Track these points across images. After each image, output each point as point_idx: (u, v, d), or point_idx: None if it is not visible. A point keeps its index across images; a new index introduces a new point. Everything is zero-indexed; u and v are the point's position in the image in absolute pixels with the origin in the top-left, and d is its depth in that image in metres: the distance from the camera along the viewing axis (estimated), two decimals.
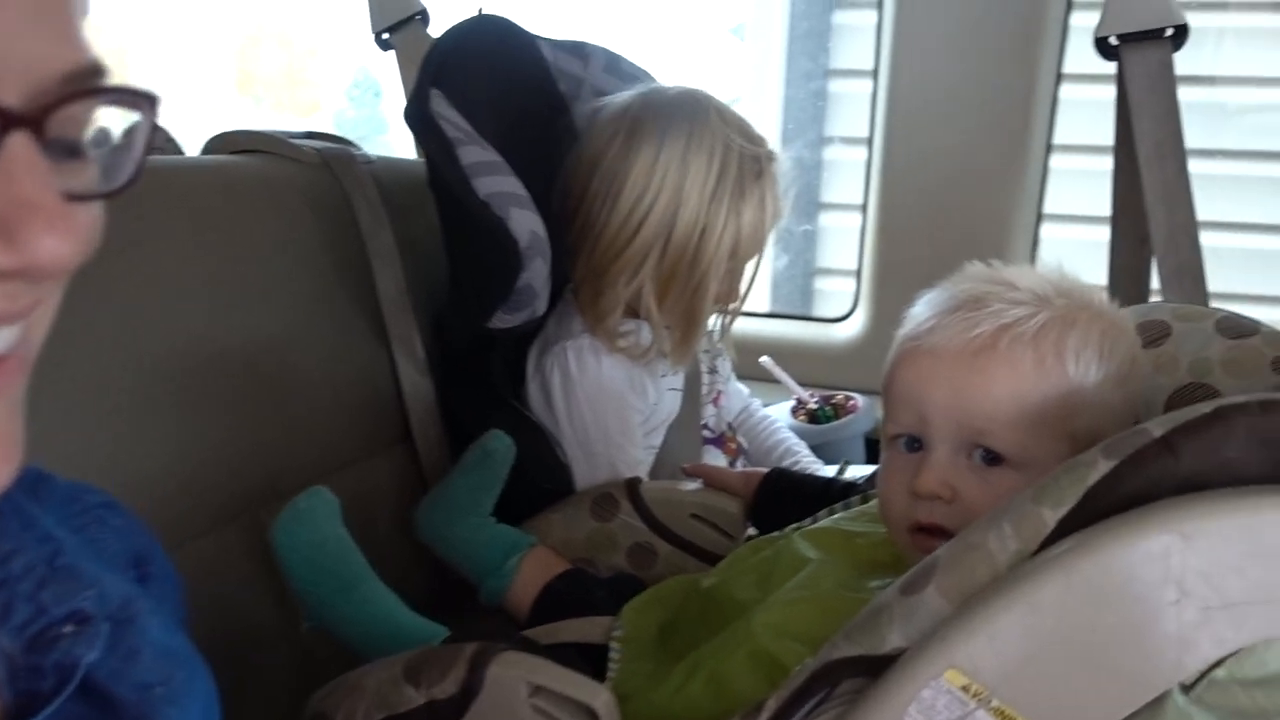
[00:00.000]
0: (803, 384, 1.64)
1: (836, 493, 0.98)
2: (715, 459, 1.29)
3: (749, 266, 1.14)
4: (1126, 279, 1.35)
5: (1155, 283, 1.27)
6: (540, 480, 1.09)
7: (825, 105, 2.17)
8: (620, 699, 0.78)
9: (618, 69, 1.25)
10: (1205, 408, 0.56)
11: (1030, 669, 0.54)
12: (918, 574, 0.59)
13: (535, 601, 0.98)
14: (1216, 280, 1.21)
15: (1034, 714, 0.54)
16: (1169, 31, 1.17)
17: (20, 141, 0.33)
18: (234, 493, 0.93)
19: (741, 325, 1.27)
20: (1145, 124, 1.23)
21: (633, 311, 1.12)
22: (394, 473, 1.11)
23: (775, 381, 1.64)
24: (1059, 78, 1.62)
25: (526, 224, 1.01)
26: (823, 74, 2.19)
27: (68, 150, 0.37)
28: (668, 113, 1.08)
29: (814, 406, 1.59)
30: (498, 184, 1.01)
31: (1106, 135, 1.28)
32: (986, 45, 1.62)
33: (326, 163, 1.12)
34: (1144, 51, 1.20)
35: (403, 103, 1.09)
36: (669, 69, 1.31)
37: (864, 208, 1.79)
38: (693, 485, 1.08)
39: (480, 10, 1.16)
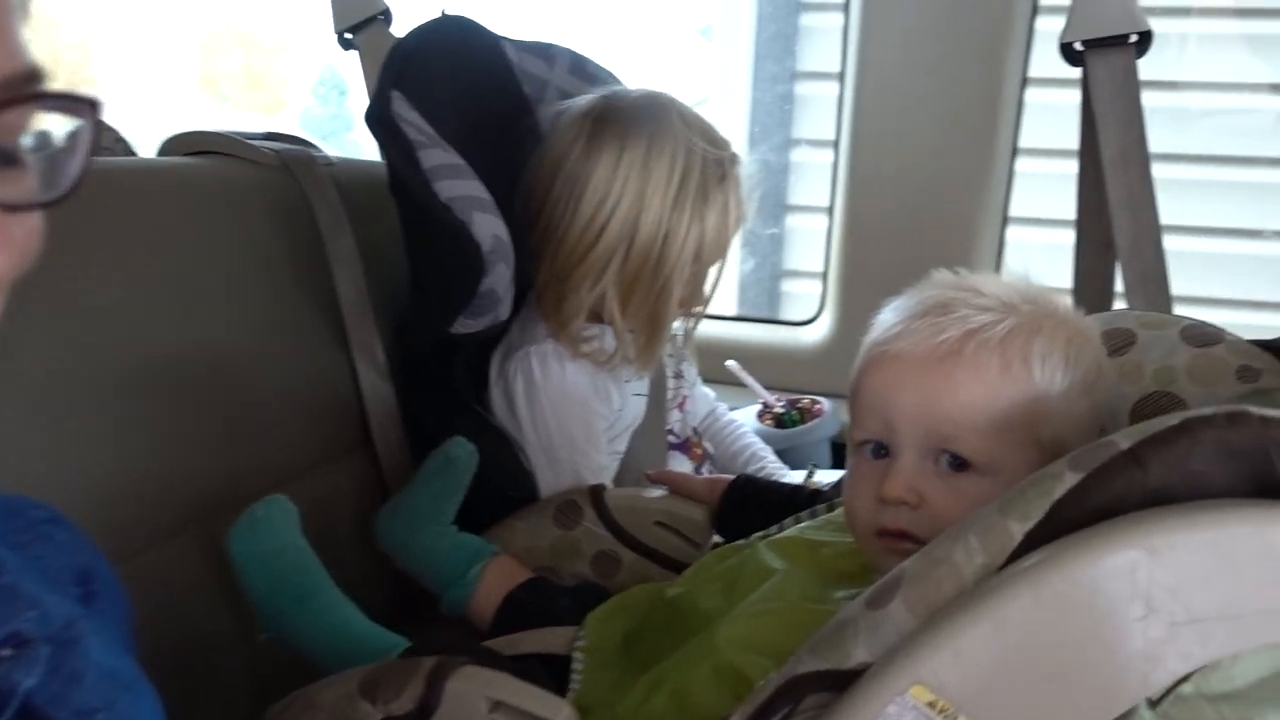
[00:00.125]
0: (769, 388, 1.64)
1: (803, 500, 0.97)
2: (680, 464, 1.28)
3: (713, 270, 1.13)
4: (1090, 283, 1.35)
5: (1119, 286, 1.27)
6: (503, 487, 1.08)
7: (792, 108, 2.17)
8: (583, 711, 0.77)
9: (583, 70, 1.23)
10: (1172, 420, 0.55)
11: (996, 685, 0.53)
12: (883, 588, 0.58)
13: (498, 611, 0.96)
14: (1179, 284, 1.22)
15: None
16: (1134, 38, 1.17)
17: None
18: (189, 500, 0.91)
19: (707, 329, 1.26)
20: (1110, 129, 1.24)
21: (596, 316, 1.11)
22: (354, 479, 1.09)
23: (741, 385, 1.63)
24: (1025, 82, 1.62)
25: (489, 228, 1.00)
26: (790, 77, 2.18)
27: (3, 159, 0.35)
28: (629, 117, 1.06)
29: (780, 410, 1.59)
30: (460, 187, 1.00)
31: (1072, 139, 1.28)
32: (953, 49, 1.62)
33: (285, 164, 1.10)
34: (1109, 57, 1.20)
35: (367, 102, 1.07)
36: (636, 70, 1.30)
37: (830, 210, 1.79)
38: (657, 492, 1.07)
39: (443, 11, 1.15)
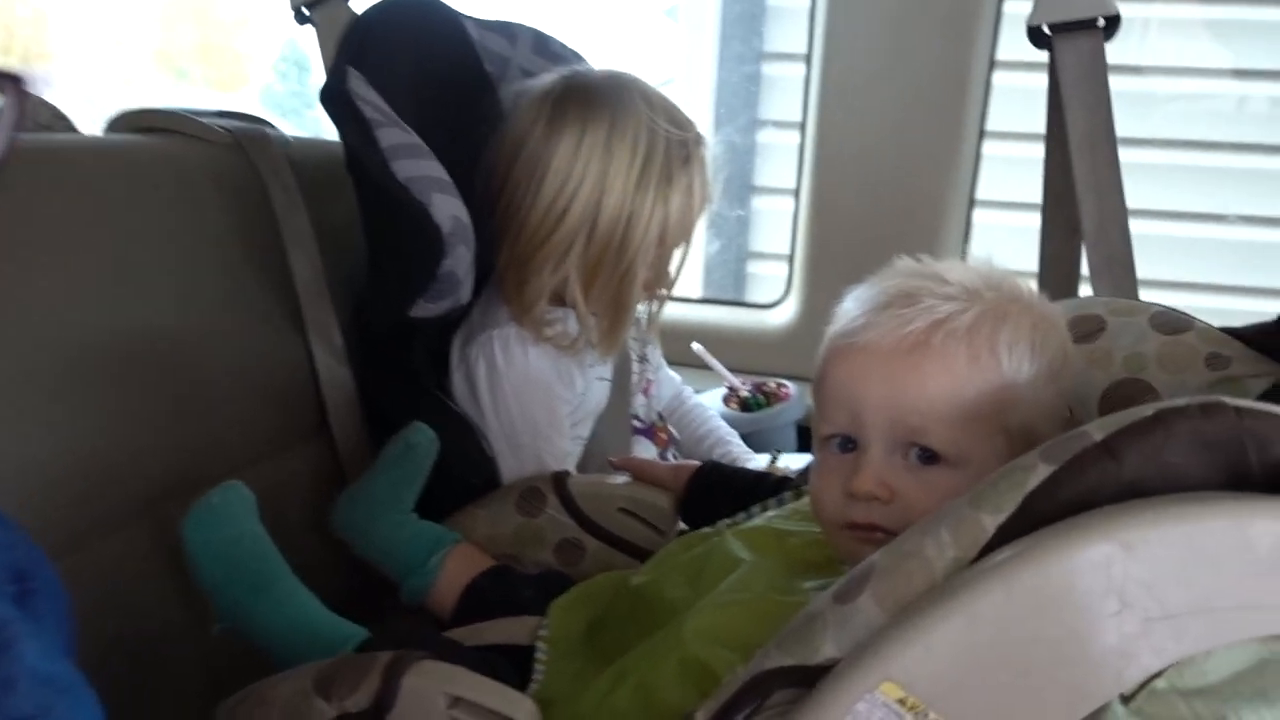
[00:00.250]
0: (735, 370, 1.63)
1: (769, 487, 0.96)
2: (645, 450, 1.27)
3: (678, 253, 1.11)
4: (1056, 267, 1.35)
5: (1085, 270, 1.26)
6: (465, 474, 1.06)
7: (758, 89, 2.15)
8: (545, 704, 0.75)
9: (546, 49, 1.21)
10: (1146, 410, 0.54)
11: (968, 681, 0.52)
12: (852, 581, 0.57)
13: (459, 600, 0.95)
14: (1143, 268, 1.22)
15: None
16: (1101, 22, 1.17)
17: None
18: (139, 489, 0.88)
19: (673, 311, 1.25)
20: (1077, 113, 1.23)
21: (559, 300, 1.09)
22: (311, 466, 1.07)
23: (707, 368, 1.62)
24: (992, 64, 1.62)
25: (449, 209, 0.98)
26: (756, 57, 2.16)
27: None
28: (590, 97, 1.04)
29: (746, 394, 1.58)
30: (419, 168, 0.97)
31: (1039, 123, 1.28)
32: (920, 31, 1.61)
33: (239, 143, 1.07)
34: (1076, 41, 1.19)
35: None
36: (601, 50, 1.27)
37: (796, 193, 1.78)
38: (622, 479, 1.05)
39: None
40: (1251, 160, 2.01)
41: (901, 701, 0.53)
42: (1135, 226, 1.21)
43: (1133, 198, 1.21)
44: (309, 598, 0.86)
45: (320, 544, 1.01)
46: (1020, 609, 0.51)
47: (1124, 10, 1.17)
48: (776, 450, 1.36)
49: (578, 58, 1.21)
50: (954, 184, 1.68)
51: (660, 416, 1.34)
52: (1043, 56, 1.20)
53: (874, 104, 1.67)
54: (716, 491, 1.00)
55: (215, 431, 0.96)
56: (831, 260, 1.74)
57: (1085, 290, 1.28)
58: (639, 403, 1.29)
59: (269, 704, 0.68)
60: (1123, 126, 1.21)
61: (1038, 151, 1.28)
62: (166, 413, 0.91)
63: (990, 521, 0.54)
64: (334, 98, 0.98)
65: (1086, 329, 0.83)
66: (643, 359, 1.29)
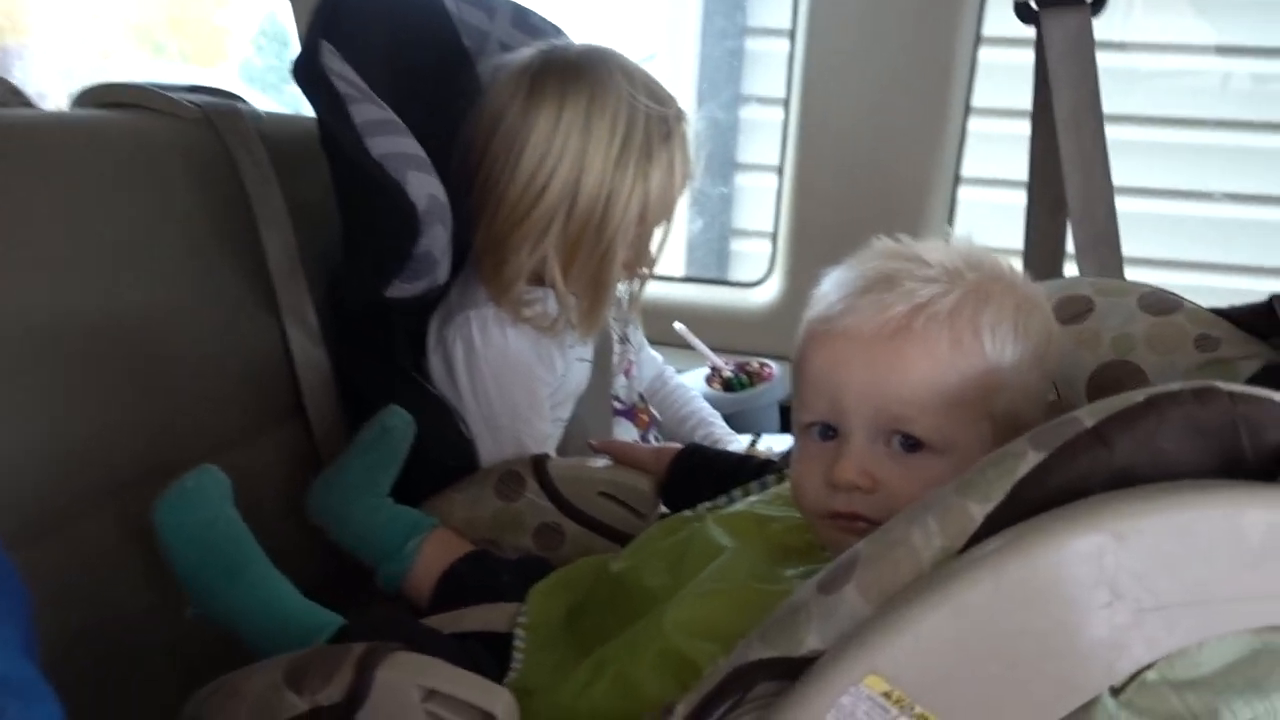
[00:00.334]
0: (717, 350, 1.61)
1: (751, 470, 0.94)
2: (626, 431, 1.25)
3: (659, 232, 1.09)
4: (1042, 245, 1.34)
5: (1070, 248, 1.25)
6: (442, 457, 1.04)
7: (741, 64, 2.13)
8: (523, 694, 0.74)
9: (525, 23, 1.18)
10: (1138, 396, 0.53)
11: (955, 675, 0.50)
12: (836, 571, 0.55)
13: (436, 586, 0.93)
14: (1128, 245, 1.21)
15: None
16: None
17: None
18: (107, 475, 0.86)
19: (655, 290, 1.23)
20: (1063, 90, 1.22)
21: (538, 279, 1.07)
22: (285, 450, 1.04)
23: (689, 348, 1.60)
24: (978, 40, 1.60)
25: (425, 187, 0.95)
26: (739, 32, 2.14)
27: None
28: (569, 72, 1.02)
29: (729, 374, 1.56)
30: (393, 144, 0.95)
31: (1025, 99, 1.26)
32: (906, 6, 1.59)
33: (208, 118, 1.04)
34: (1063, 17, 1.18)
35: None
36: (583, 24, 1.25)
37: (780, 170, 1.76)
38: (602, 462, 1.04)
39: None
40: (1235, 137, 2.00)
41: (887, 695, 0.51)
42: (1119, 204, 1.20)
43: (1116, 175, 1.19)
44: (284, 584, 0.85)
45: (296, 529, 0.99)
46: (1009, 600, 0.50)
47: None
48: (757, 434, 1.34)
49: (557, 32, 1.19)
50: (939, 161, 1.66)
51: (641, 398, 1.32)
52: (1029, 32, 1.18)
53: (859, 79, 1.65)
54: (698, 475, 0.98)
55: (185, 415, 0.94)
56: (815, 238, 1.72)
57: (1070, 268, 1.27)
58: (620, 384, 1.27)
59: (240, 697, 0.66)
60: (1106, 103, 1.20)
61: (1023, 128, 1.27)
62: (134, 396, 0.89)
63: (978, 510, 0.53)
64: (306, 72, 0.95)
65: (1074, 310, 0.82)
66: (624, 339, 1.27)
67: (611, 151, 1.00)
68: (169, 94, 1.03)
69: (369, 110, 0.96)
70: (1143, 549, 0.48)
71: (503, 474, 1.02)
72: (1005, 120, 1.63)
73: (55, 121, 0.94)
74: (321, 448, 1.07)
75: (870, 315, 0.67)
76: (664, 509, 1.01)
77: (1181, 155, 2.02)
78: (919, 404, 0.66)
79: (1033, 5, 1.17)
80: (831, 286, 0.72)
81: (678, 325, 1.59)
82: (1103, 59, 1.18)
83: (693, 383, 1.50)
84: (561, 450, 1.13)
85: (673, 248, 1.15)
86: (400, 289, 1.00)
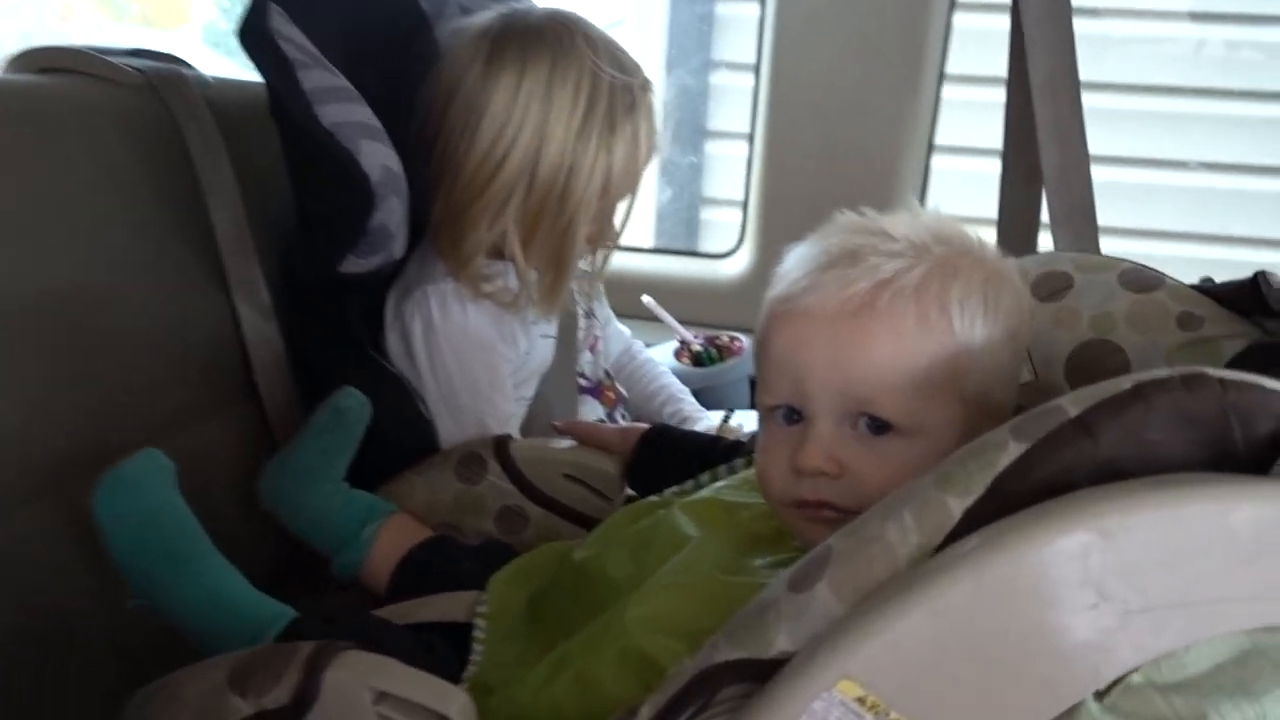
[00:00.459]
0: (686, 323, 1.58)
1: (720, 453, 0.91)
2: (592, 409, 1.22)
3: (622, 205, 1.05)
4: (1016, 215, 1.33)
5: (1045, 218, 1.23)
6: (401, 439, 1.00)
7: (711, 29, 2.08)
8: (482, 691, 0.71)
9: None
10: (1124, 383, 0.50)
11: (933, 679, 0.48)
12: (808, 567, 0.53)
13: (394, 574, 0.90)
14: (1102, 215, 1.18)
15: None
16: None
17: None
18: (48, 462, 0.82)
19: (622, 261, 1.19)
20: (1039, 56, 1.20)
21: (498, 253, 1.03)
22: (237, 432, 1.00)
23: (658, 321, 1.57)
24: (953, 5, 1.57)
25: (378, 158, 0.91)
26: None
27: None
28: (530, 38, 0.98)
29: (698, 348, 1.53)
30: (345, 112, 0.91)
31: (1000, 66, 1.23)
32: None
33: (151, 84, 0.99)
34: None
35: None
36: None
37: (750, 137, 1.72)
38: (566, 443, 1.01)
39: None
40: (1210, 105, 1.98)
41: (861, 700, 0.49)
42: (1093, 173, 1.18)
43: (1090, 143, 1.17)
44: (232, 574, 0.81)
45: (248, 515, 0.95)
46: (990, 601, 0.47)
47: None
48: (729, 411, 1.31)
49: None
50: (912, 128, 1.64)
51: (608, 374, 1.29)
52: None
53: (831, 45, 1.62)
54: (665, 457, 0.95)
55: (128, 397, 0.90)
56: (787, 207, 1.69)
57: (1045, 238, 1.25)
58: (585, 360, 1.23)
59: (181, 701, 0.63)
60: (1080, 70, 1.17)
61: (999, 96, 1.24)
62: (71, 377, 0.84)
63: (957, 505, 0.50)
64: (252, 36, 0.91)
65: (1053, 286, 0.79)
66: (589, 314, 1.24)
67: (574, 122, 0.96)
68: (109, 58, 0.98)
69: (319, 76, 0.91)
70: (1131, 548, 0.46)
71: (463, 456, 0.99)
72: (980, 87, 1.60)
73: None
74: (275, 429, 1.03)
75: (833, 292, 0.64)
76: (630, 491, 0.98)
77: (1156, 123, 2.00)
78: (885, 384, 0.64)
79: None
80: (793, 264, 0.69)
81: (646, 298, 1.56)
82: (1076, 25, 1.16)
83: (661, 357, 1.47)
84: (525, 430, 1.09)
85: (641, 218, 1.12)
86: (355, 264, 0.96)
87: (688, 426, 1.28)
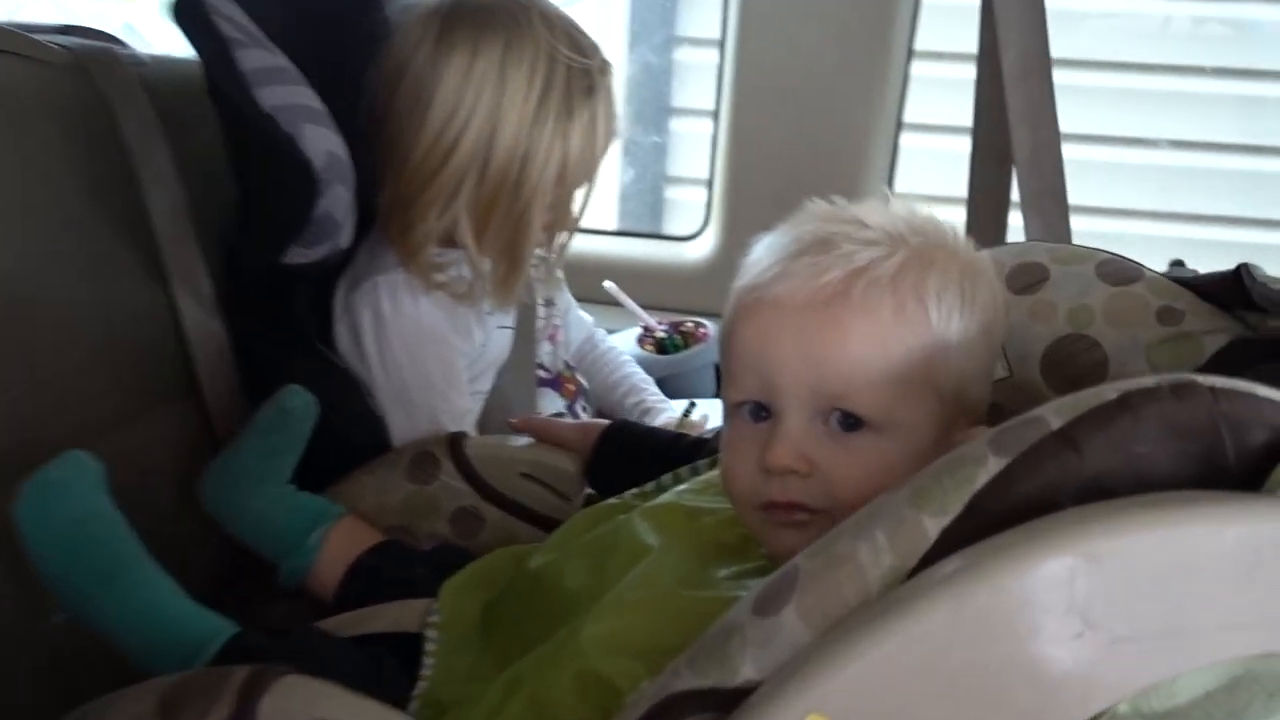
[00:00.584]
0: (650, 309, 1.54)
1: (683, 451, 0.88)
2: (551, 403, 1.18)
3: (580, 193, 1.01)
4: (986, 196, 1.31)
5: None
6: (351, 436, 0.96)
7: (675, 4, 2.04)
8: (434, 709, 0.68)
9: None
10: (1109, 393, 0.47)
11: (907, 713, 0.45)
12: (775, 588, 0.49)
13: (342, 581, 0.86)
14: (1072, 193, 1.18)
15: None
16: None
17: None
18: None
19: (584, 244, 1.14)
20: (1011, 35, 1.17)
21: (450, 241, 0.98)
22: (177, 431, 0.95)
23: (620, 307, 1.53)
24: None
25: (322, 143, 0.86)
26: None
27: None
28: (483, 16, 0.93)
29: (662, 335, 1.50)
30: (286, 95, 0.86)
31: (971, 43, 1.21)
32: None
33: (80, 64, 0.93)
34: None
35: None
36: None
37: (716, 114, 1.68)
38: (523, 441, 0.97)
39: None
40: (1177, 82, 1.96)
41: None
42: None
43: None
44: (168, 586, 0.76)
45: (189, 518, 0.91)
46: (968, 630, 0.44)
47: None
48: (691, 403, 1.27)
49: None
50: (881, 106, 1.61)
51: (568, 365, 1.25)
52: None
53: (798, 20, 1.59)
54: (626, 454, 0.92)
55: (57, 395, 0.85)
56: (753, 187, 1.66)
57: (1015, 218, 1.23)
58: (544, 350, 1.20)
59: None
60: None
61: (968, 73, 1.21)
62: (2, 380, 0.79)
63: (933, 525, 0.47)
64: (185, 12, 0.86)
65: (1028, 279, 0.76)
66: (548, 303, 1.20)
67: (528, 107, 0.92)
68: (33, 36, 0.92)
69: (258, 56, 0.87)
70: (1118, 573, 0.43)
71: (415, 455, 0.95)
72: (950, 64, 1.57)
73: None
74: (218, 426, 0.98)
75: (804, 280, 0.61)
76: (590, 490, 0.94)
77: (1123, 100, 1.98)
78: (859, 377, 0.61)
79: None
80: (762, 252, 0.66)
81: (608, 284, 1.52)
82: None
83: (624, 344, 1.43)
84: (482, 426, 1.06)
85: (603, 199, 1.08)
86: (299, 254, 0.91)
87: (650, 418, 1.24)
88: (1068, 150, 1.19)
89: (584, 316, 1.35)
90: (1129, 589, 0.43)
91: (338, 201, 0.89)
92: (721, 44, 1.66)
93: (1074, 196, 1.19)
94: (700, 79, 1.89)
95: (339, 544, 0.87)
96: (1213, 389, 0.47)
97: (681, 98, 2.06)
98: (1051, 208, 1.22)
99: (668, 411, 1.27)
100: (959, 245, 0.66)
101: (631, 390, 1.30)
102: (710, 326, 1.52)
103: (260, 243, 0.92)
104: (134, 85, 0.96)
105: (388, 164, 0.96)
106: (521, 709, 0.61)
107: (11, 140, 0.85)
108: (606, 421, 0.98)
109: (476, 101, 0.92)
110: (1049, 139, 1.20)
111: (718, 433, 0.90)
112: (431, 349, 0.98)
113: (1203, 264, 1.10)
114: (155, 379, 0.95)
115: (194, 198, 0.98)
